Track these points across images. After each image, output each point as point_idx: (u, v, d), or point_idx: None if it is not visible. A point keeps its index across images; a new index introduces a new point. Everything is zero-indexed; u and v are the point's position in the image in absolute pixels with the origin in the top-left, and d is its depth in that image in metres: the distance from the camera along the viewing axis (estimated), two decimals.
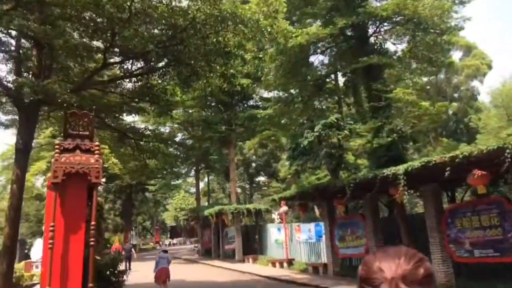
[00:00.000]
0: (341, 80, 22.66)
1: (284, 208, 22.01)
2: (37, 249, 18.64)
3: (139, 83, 13.07)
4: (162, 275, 13.70)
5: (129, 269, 21.54)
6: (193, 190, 52.43)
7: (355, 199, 17.20)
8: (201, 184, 46.95)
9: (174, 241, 59.98)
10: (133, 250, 27.19)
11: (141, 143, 14.57)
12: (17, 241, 9.92)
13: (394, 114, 15.47)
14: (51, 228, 5.43)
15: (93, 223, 5.64)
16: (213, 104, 31.02)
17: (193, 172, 41.14)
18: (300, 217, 28.52)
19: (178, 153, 18.54)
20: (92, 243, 5.57)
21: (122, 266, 12.00)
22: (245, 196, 46.79)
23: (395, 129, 14.36)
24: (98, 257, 13.01)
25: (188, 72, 11.11)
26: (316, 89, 20.13)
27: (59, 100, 8.50)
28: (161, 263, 13.98)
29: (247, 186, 49.36)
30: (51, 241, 5.39)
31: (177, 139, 27.60)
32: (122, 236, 43.27)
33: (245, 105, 30.60)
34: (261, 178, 50.87)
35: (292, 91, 22.45)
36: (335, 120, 19.49)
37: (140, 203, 52.39)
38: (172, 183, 46.38)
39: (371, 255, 1.11)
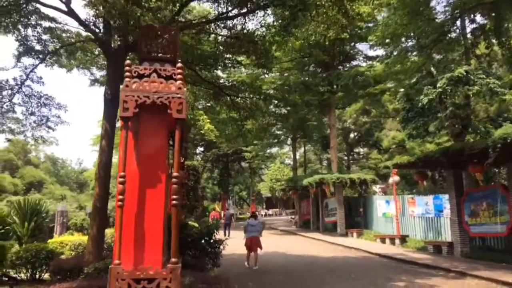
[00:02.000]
0: (468, 27, 18.86)
1: (395, 178, 19.30)
2: None
3: (235, 30, 11.46)
4: (252, 245, 12.28)
5: (228, 235, 20.88)
6: (288, 161, 51.13)
7: (492, 166, 14.04)
8: (297, 155, 45.37)
9: (270, 212, 59.87)
10: (232, 217, 26.71)
11: (237, 99, 13.02)
12: (107, 203, 9.06)
13: None
14: (121, 179, 3.92)
15: (175, 174, 4.01)
16: (311, 67, 28.74)
17: (289, 141, 39.65)
18: (415, 189, 25.43)
19: (277, 111, 16.78)
20: (174, 202, 3.95)
21: (220, 234, 10.78)
22: (343, 167, 44.04)
23: None
24: (195, 223, 11.88)
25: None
26: (438, 36, 16.75)
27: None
28: (250, 230, 12.46)
29: (345, 157, 46.57)
30: (120, 197, 3.89)
31: (272, 107, 25.97)
32: (219, 204, 43.81)
33: (347, 67, 27.75)
34: (359, 150, 47.74)
35: (404, 44, 19.32)
36: (464, 73, 16.11)
37: (236, 173, 52.67)
38: (268, 151, 45.44)
39: None
